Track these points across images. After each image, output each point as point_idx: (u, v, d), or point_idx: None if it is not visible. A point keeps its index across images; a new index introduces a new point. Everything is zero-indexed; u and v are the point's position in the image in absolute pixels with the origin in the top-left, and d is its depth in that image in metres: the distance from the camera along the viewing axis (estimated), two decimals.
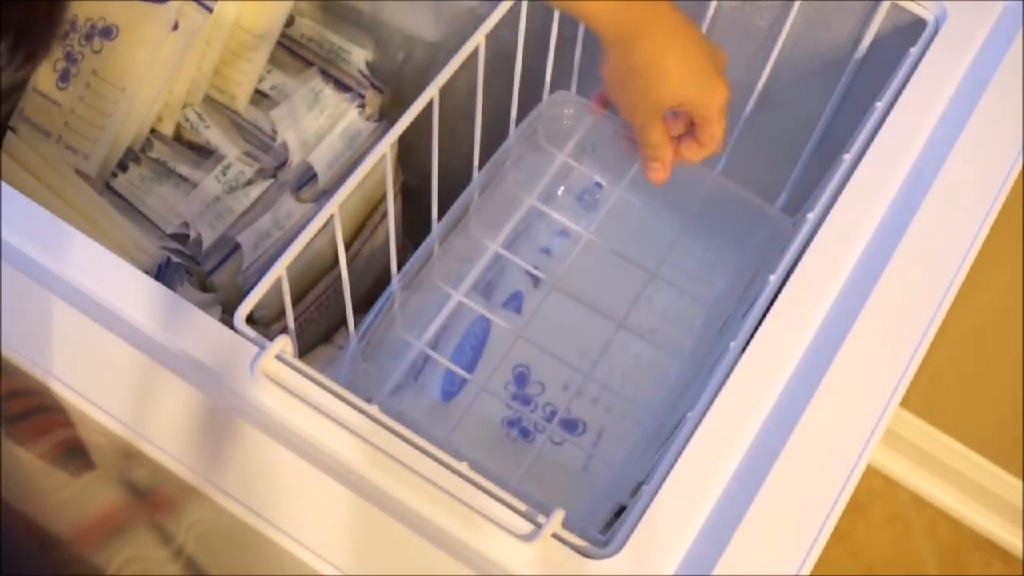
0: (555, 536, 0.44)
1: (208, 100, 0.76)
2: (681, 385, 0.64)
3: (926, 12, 0.61)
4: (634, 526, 0.44)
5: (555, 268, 0.69)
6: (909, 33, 0.62)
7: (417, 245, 0.67)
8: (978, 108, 0.56)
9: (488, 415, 0.64)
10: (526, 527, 0.44)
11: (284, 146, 0.74)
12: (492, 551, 0.44)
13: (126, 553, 0.60)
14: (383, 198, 0.64)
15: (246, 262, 0.70)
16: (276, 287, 0.51)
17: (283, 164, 0.74)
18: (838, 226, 0.52)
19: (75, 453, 0.55)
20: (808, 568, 0.44)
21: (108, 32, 0.68)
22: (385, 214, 0.64)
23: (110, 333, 0.47)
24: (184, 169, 0.72)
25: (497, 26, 0.60)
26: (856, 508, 1.27)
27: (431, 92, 0.57)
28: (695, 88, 0.58)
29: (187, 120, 0.74)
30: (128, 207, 0.70)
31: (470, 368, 0.65)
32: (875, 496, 1.28)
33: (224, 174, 0.71)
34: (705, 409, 0.47)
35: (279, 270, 0.51)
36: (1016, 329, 1.01)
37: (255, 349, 0.47)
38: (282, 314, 0.55)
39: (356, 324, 0.62)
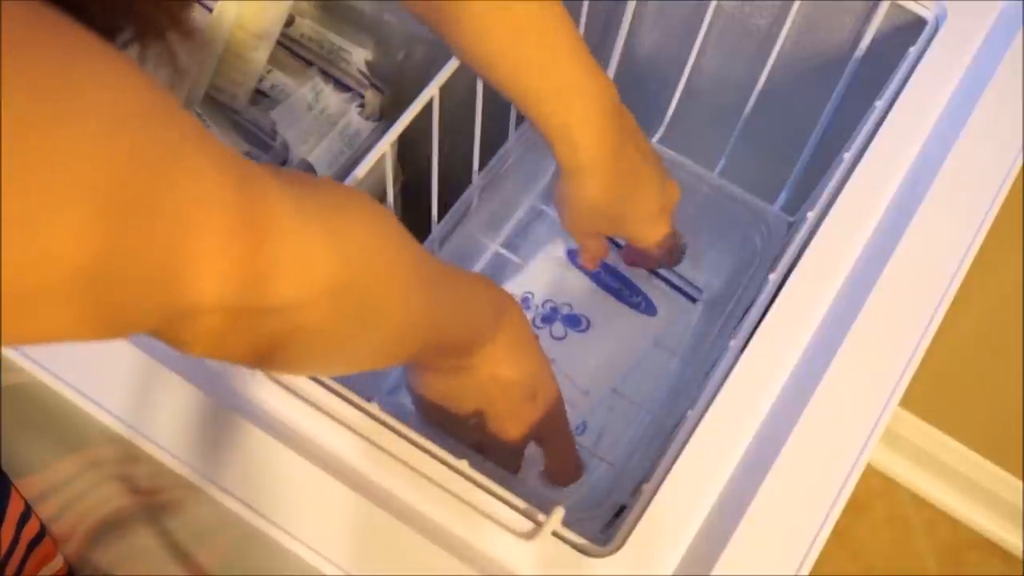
0: (555, 534, 0.44)
1: (208, 100, 0.76)
2: (681, 384, 0.64)
3: (926, 11, 0.61)
4: (634, 525, 0.44)
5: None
6: (909, 32, 0.62)
7: None
8: (978, 108, 0.56)
9: None
10: (526, 525, 0.44)
11: (284, 146, 0.74)
12: (492, 549, 0.44)
13: (124, 551, 0.60)
14: (383, 197, 0.64)
15: None
16: None
17: (283, 164, 0.74)
18: (838, 225, 0.52)
19: None
20: (808, 568, 0.43)
21: None
22: None
23: None
24: None
25: None
26: (856, 508, 1.27)
27: (431, 91, 0.57)
28: (638, 232, 0.60)
29: None
30: None
31: None
32: (875, 496, 1.29)
33: None
34: (705, 408, 0.47)
35: None
36: (1016, 329, 1.01)
37: None
38: None
39: None
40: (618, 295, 0.67)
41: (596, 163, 0.54)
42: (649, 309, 0.67)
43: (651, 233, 0.60)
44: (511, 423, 0.51)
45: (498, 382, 0.49)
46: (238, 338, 0.31)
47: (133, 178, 0.23)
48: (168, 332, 0.29)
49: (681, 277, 0.68)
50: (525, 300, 0.66)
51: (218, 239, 0.26)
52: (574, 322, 0.65)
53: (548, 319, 0.65)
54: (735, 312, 0.63)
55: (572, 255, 0.68)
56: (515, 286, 0.67)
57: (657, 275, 0.68)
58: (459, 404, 0.50)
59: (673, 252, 0.63)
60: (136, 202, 0.23)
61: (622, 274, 0.67)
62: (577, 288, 0.67)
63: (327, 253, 0.32)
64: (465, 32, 0.50)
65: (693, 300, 0.67)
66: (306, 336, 0.33)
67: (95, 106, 0.22)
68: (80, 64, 0.22)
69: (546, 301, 0.66)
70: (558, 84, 0.51)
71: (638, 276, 0.68)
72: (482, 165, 0.67)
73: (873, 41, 0.65)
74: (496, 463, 0.52)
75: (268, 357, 0.34)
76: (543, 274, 0.67)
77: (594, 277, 0.67)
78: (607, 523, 0.55)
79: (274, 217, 0.29)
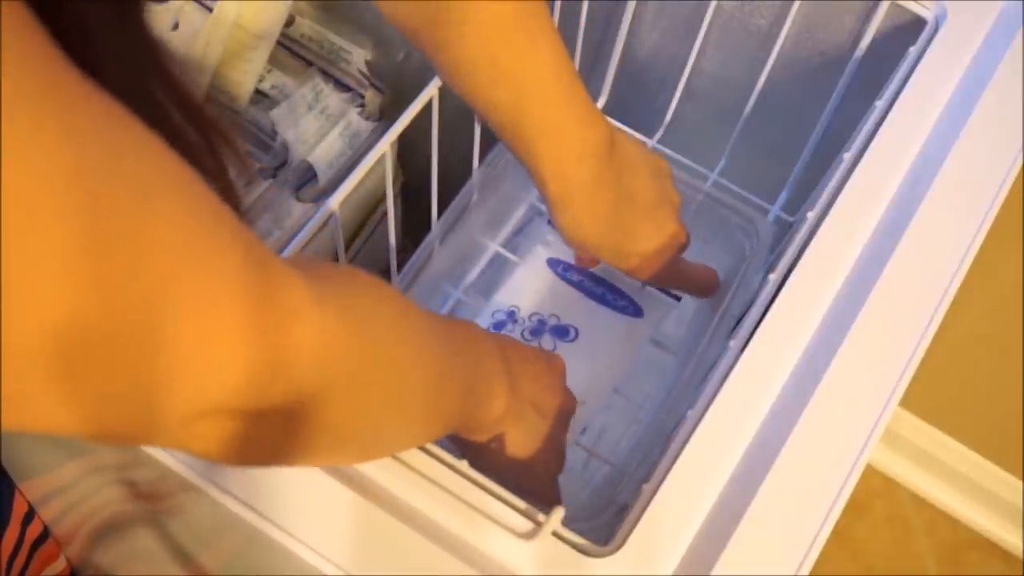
0: (555, 534, 0.44)
1: (208, 100, 0.76)
2: (681, 384, 0.64)
3: (926, 11, 0.61)
4: (634, 525, 0.44)
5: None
6: (909, 32, 0.62)
7: (417, 245, 0.67)
8: (978, 107, 0.56)
9: None
10: (526, 525, 0.44)
11: (284, 146, 0.74)
12: (492, 549, 0.44)
13: (125, 552, 0.60)
14: (383, 198, 0.64)
15: None
16: None
17: (283, 164, 0.74)
18: (838, 225, 0.52)
19: None
20: (807, 568, 0.43)
21: None
22: (385, 214, 0.64)
23: None
24: None
25: None
26: (856, 508, 1.27)
27: (431, 91, 0.57)
28: (625, 267, 0.58)
29: None
30: None
31: None
32: (875, 496, 1.29)
33: None
34: (705, 408, 0.47)
35: None
36: (1016, 329, 1.01)
37: None
38: None
39: None
40: (603, 300, 0.67)
41: (564, 200, 0.54)
42: (635, 311, 0.66)
43: (642, 271, 0.59)
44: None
45: (541, 409, 0.50)
46: (260, 436, 0.29)
47: (126, 238, 0.20)
48: (177, 436, 0.27)
49: None
50: (511, 313, 0.66)
51: (236, 323, 0.24)
52: (562, 333, 0.65)
53: (536, 332, 0.65)
54: (732, 308, 0.63)
55: (553, 263, 0.68)
56: (500, 300, 0.67)
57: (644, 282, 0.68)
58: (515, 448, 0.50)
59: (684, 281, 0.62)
60: (132, 266, 0.21)
61: (604, 279, 0.67)
62: (562, 297, 0.66)
63: (350, 337, 0.31)
64: (442, 63, 0.49)
65: (677, 299, 0.67)
66: (332, 426, 0.32)
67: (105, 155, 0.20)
68: (120, 128, 0.21)
69: (532, 314, 0.66)
70: (530, 120, 0.50)
71: (620, 279, 0.67)
72: (482, 162, 0.67)
73: (873, 41, 0.65)
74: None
75: (293, 453, 0.32)
76: (527, 286, 0.67)
77: (577, 285, 0.67)
78: (607, 523, 0.55)
79: (296, 301, 0.27)
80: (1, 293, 0.18)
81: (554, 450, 0.52)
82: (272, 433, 0.29)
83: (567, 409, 0.53)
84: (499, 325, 0.66)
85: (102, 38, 0.23)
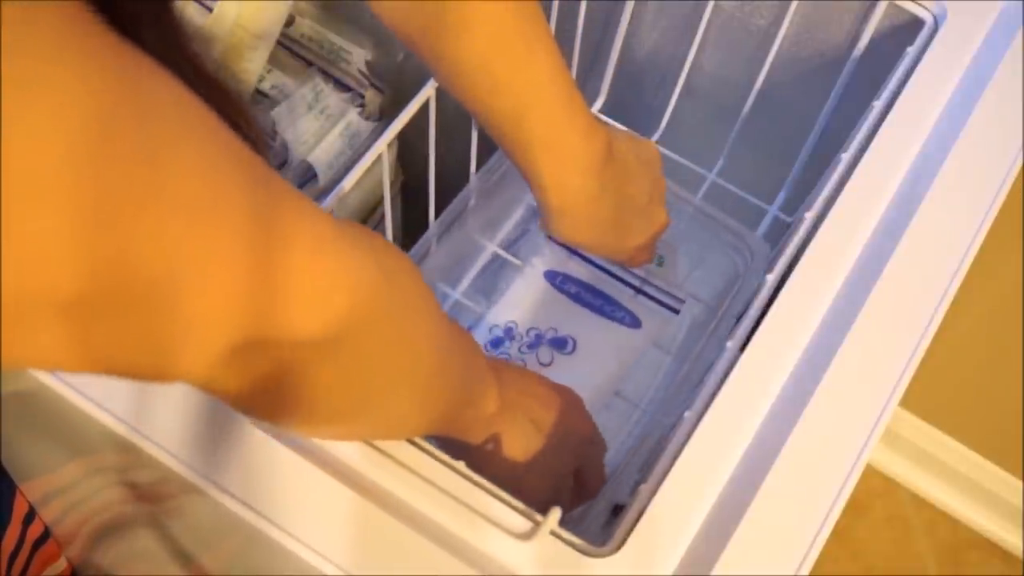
0: (553, 534, 0.44)
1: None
2: (679, 384, 0.64)
3: (925, 11, 0.61)
4: (633, 525, 0.44)
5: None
6: (907, 32, 0.62)
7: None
8: (977, 108, 0.56)
9: None
10: (524, 525, 0.44)
11: (284, 146, 0.74)
12: (491, 549, 0.44)
13: (126, 552, 0.60)
14: (383, 198, 0.64)
15: None
16: None
17: (283, 164, 0.74)
18: (837, 225, 0.52)
19: None
20: (807, 568, 0.43)
21: None
22: (385, 214, 0.64)
23: None
24: None
25: None
26: (856, 508, 1.27)
27: (427, 92, 0.57)
28: (619, 259, 0.62)
29: None
30: None
31: None
32: (875, 496, 1.29)
33: None
34: (704, 408, 0.47)
35: None
36: (1016, 329, 1.01)
37: None
38: None
39: None
40: (600, 311, 0.67)
41: (563, 209, 0.54)
42: (633, 323, 0.67)
43: (634, 261, 0.62)
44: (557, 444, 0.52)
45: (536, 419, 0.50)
46: (262, 374, 0.28)
47: (127, 174, 0.20)
48: (188, 378, 0.27)
49: (661, 290, 0.68)
50: (509, 331, 0.66)
51: (232, 256, 0.24)
52: (560, 344, 0.65)
53: (533, 345, 0.65)
54: (731, 309, 0.63)
55: (551, 276, 0.68)
56: (497, 317, 0.67)
57: (638, 290, 0.68)
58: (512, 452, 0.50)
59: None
60: (129, 205, 0.21)
61: (602, 291, 0.67)
62: (559, 310, 0.66)
63: (362, 275, 0.30)
64: (439, 69, 0.49)
65: (676, 311, 0.67)
66: (343, 382, 0.32)
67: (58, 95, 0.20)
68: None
69: (530, 329, 0.66)
70: (529, 126, 0.50)
71: (619, 292, 0.68)
72: (480, 165, 0.67)
73: (871, 41, 0.65)
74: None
75: (296, 409, 0.32)
76: (524, 301, 0.67)
77: (575, 297, 0.67)
78: (605, 523, 0.55)
79: (308, 234, 0.27)
80: (2, 247, 0.19)
81: (551, 474, 0.52)
82: (284, 383, 0.29)
83: (578, 435, 0.53)
84: (497, 342, 0.66)
85: (145, 23, 0.25)
